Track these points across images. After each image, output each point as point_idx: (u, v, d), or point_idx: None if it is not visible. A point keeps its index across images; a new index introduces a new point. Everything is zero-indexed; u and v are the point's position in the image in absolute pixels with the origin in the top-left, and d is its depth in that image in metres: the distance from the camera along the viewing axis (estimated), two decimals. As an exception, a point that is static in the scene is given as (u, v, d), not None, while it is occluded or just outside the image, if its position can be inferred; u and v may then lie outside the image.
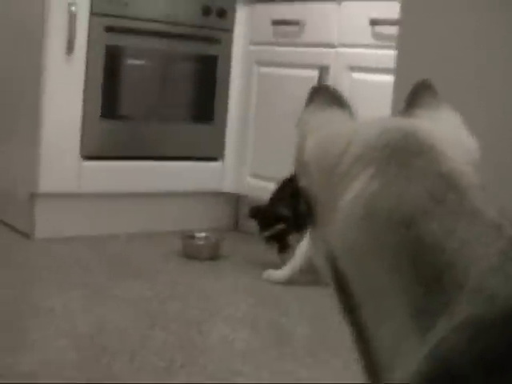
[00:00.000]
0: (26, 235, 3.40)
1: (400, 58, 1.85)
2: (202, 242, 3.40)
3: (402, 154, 0.74)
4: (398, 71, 1.83)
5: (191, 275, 3.05)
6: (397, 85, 1.82)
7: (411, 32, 1.81)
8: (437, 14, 1.74)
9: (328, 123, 0.83)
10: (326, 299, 2.81)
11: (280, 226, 3.03)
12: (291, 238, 3.05)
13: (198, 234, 3.43)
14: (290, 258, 3.02)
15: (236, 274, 3.10)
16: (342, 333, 2.47)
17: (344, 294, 0.75)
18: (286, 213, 3.02)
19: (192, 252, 3.31)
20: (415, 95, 0.88)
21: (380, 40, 3.10)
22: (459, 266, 0.65)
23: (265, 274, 3.03)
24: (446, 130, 0.79)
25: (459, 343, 0.61)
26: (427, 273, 0.66)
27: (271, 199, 3.11)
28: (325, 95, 0.87)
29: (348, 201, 0.74)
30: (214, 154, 3.79)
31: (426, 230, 0.68)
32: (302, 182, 0.83)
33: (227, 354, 2.26)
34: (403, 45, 1.84)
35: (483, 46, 1.58)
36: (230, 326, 2.49)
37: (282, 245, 3.07)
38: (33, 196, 3.38)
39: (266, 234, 3.07)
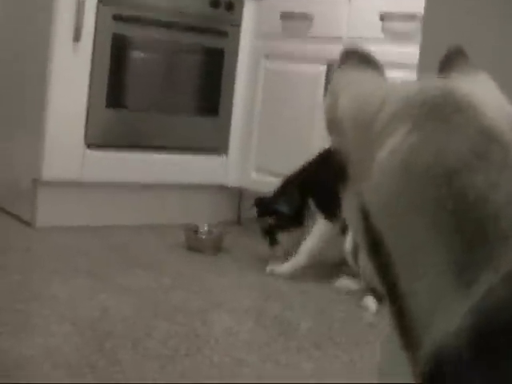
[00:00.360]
0: (28, 224, 3.38)
1: (423, 54, 1.82)
2: (204, 236, 3.38)
3: (441, 111, 0.71)
4: (421, 67, 1.80)
5: (194, 267, 3.02)
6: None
7: (435, 26, 1.78)
8: (461, 8, 1.72)
9: (361, 82, 0.81)
10: (329, 294, 2.80)
11: (270, 221, 3.02)
12: (282, 235, 3.05)
13: (201, 227, 3.41)
14: (293, 254, 3.01)
15: (239, 267, 3.07)
16: (347, 328, 2.46)
17: (376, 253, 0.72)
18: (282, 209, 3.01)
19: (195, 245, 3.28)
20: (448, 60, 0.85)
21: (390, 35, 3.09)
22: (504, 217, 0.63)
23: (268, 268, 3.00)
24: (484, 92, 0.77)
25: (507, 294, 0.59)
26: (469, 227, 0.64)
27: (275, 192, 3.10)
28: (357, 57, 0.85)
29: (385, 156, 0.71)
30: (218, 147, 3.77)
31: (469, 183, 0.66)
32: (334, 142, 0.80)
33: (231, 345, 2.23)
34: (427, 40, 1.82)
35: (509, 39, 1.55)
36: (234, 318, 2.46)
37: (271, 239, 3.06)
38: (35, 184, 3.35)
39: (259, 222, 3.07)
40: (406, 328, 0.69)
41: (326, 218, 2.91)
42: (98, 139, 3.43)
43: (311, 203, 2.96)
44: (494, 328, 0.59)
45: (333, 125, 0.81)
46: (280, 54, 3.61)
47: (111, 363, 2.00)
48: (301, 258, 2.96)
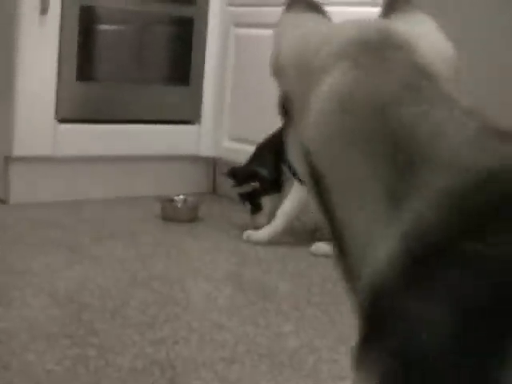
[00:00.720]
0: (2, 201, 3.35)
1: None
2: (180, 205, 3.37)
3: (377, 49, 0.75)
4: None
5: (171, 236, 3.01)
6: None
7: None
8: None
9: (303, 25, 0.85)
10: (307, 259, 2.80)
11: (254, 184, 3.02)
12: (264, 200, 3.05)
13: (176, 197, 3.40)
14: (267, 220, 3.01)
15: (216, 235, 3.07)
16: (325, 290, 2.46)
17: (319, 189, 0.76)
18: (262, 172, 3.01)
19: (171, 214, 3.27)
20: (391, 2, 0.88)
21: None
22: (431, 147, 0.66)
23: (245, 235, 3.00)
24: (421, 31, 0.81)
25: (434, 219, 0.62)
26: (401, 156, 0.67)
27: (249, 159, 3.09)
28: (302, 3, 0.89)
29: (322, 92, 0.74)
30: (190, 117, 3.75)
31: (400, 114, 0.69)
32: (279, 86, 0.84)
33: (211, 310, 2.23)
34: None
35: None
36: (213, 284, 2.46)
37: (255, 205, 3.06)
38: (7, 160, 3.32)
39: (239, 190, 3.06)
40: (347, 263, 0.73)
41: (301, 183, 2.91)
42: (69, 113, 3.39)
43: (286, 168, 2.95)
44: (424, 253, 0.61)
45: (277, 69, 0.85)
46: (250, 21, 3.58)
47: (90, 333, 1.99)
48: (278, 223, 2.95)
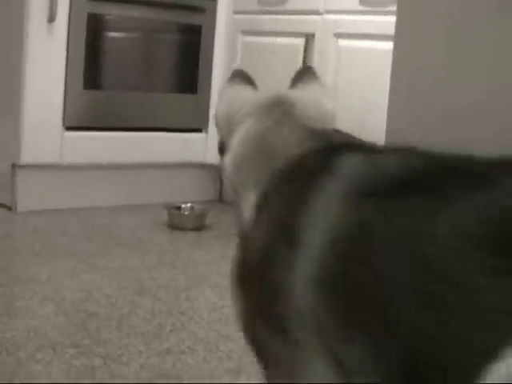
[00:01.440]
0: (8, 208, 3.36)
1: (399, 24, 1.81)
2: (187, 213, 3.37)
3: (269, 108, 1.25)
4: (398, 37, 1.80)
5: (177, 245, 3.02)
6: (396, 50, 1.80)
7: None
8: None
9: (234, 94, 1.36)
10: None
11: None
12: None
13: (183, 205, 3.40)
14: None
15: (222, 243, 3.07)
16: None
17: (234, 191, 1.25)
18: None
19: (177, 223, 3.28)
20: (298, 75, 1.40)
21: (367, 6, 3.07)
22: (280, 148, 1.17)
23: None
24: (308, 95, 1.32)
25: (274, 178, 1.12)
26: (268, 162, 1.16)
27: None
28: (239, 76, 1.41)
29: (237, 136, 1.24)
30: (197, 125, 3.75)
31: (270, 140, 1.19)
32: (218, 135, 1.34)
33: (217, 320, 2.23)
34: (403, 10, 1.80)
35: (486, 8, 1.55)
36: (219, 293, 2.46)
37: None
38: (14, 168, 3.33)
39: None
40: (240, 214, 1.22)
41: None
42: (77, 121, 3.40)
43: None
44: (268, 193, 1.14)
45: (216, 122, 1.35)
46: (257, 29, 3.59)
47: (96, 343, 1.99)
48: None
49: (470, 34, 1.57)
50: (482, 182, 0.83)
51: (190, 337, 2.08)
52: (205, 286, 2.54)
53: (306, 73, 1.40)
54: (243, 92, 1.35)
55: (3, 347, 1.92)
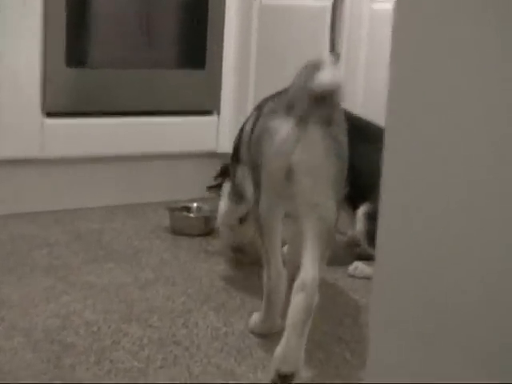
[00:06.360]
0: (-19, 211, 3.40)
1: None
2: (193, 215, 3.39)
3: None
4: None
5: (180, 255, 3.04)
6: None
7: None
8: None
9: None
10: (344, 280, 2.80)
11: None
12: None
13: (189, 205, 3.42)
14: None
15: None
16: (345, 324, 2.44)
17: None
18: None
19: (181, 227, 3.30)
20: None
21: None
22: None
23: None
24: None
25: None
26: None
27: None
28: None
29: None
30: (207, 106, 3.77)
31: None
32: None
33: (217, 351, 2.24)
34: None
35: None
36: (224, 318, 2.46)
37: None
38: (-13, 164, 3.36)
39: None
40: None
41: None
42: (59, 106, 3.43)
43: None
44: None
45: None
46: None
47: (70, 382, 2.01)
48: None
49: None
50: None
51: (182, 373, 2.09)
52: (208, 307, 2.54)
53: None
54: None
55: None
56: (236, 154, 2.69)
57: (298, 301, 2.05)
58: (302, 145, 2.06)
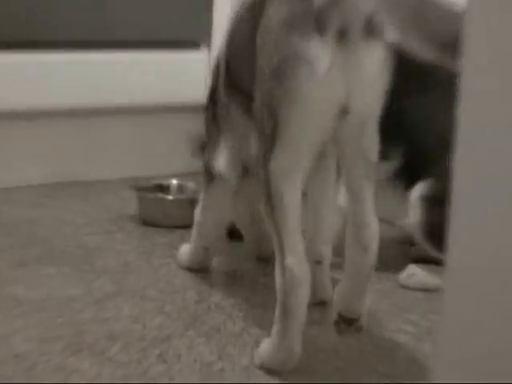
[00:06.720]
0: None
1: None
2: (171, 197, 3.39)
3: None
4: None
5: (152, 256, 3.04)
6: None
7: None
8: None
9: None
10: (393, 293, 2.78)
11: None
12: None
13: (164, 183, 3.42)
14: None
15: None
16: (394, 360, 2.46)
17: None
18: None
19: (154, 215, 3.31)
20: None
21: None
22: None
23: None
24: None
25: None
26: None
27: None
28: None
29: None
30: (194, 36, 3.77)
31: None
32: None
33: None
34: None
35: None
36: (218, 347, 2.44)
37: None
38: None
39: None
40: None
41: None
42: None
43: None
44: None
45: None
46: None
47: None
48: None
49: None
50: None
51: None
52: (195, 332, 2.52)
53: None
54: None
55: None
56: (214, 95, 2.77)
57: (360, 267, 2.30)
58: (353, 71, 2.11)
